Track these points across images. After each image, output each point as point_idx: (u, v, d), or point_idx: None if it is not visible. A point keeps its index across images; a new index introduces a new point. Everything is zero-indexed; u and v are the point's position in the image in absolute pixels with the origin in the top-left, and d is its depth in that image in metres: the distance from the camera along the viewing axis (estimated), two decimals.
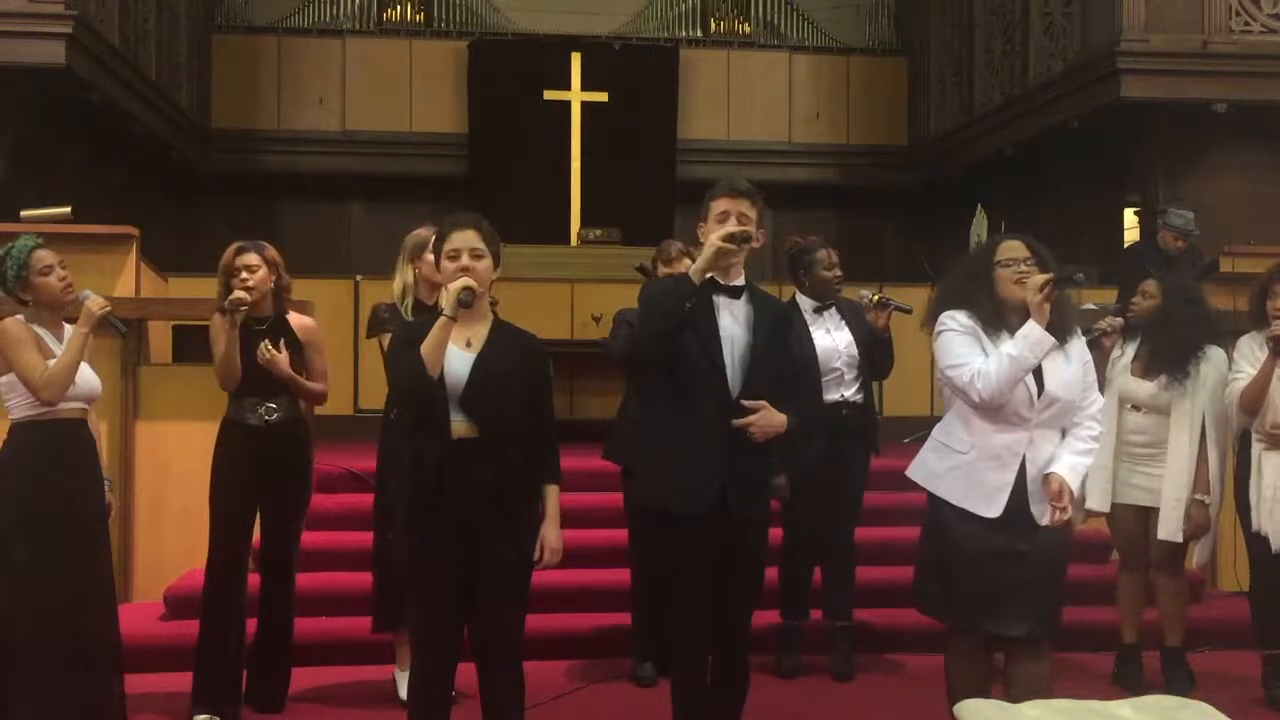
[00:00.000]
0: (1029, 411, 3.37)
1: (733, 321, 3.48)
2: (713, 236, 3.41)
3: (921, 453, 3.58)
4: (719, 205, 3.50)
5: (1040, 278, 3.34)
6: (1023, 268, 3.40)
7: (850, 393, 4.94)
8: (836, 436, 4.83)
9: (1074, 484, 3.38)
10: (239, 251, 4.29)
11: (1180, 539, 4.67)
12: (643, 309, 3.66)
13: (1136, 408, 4.73)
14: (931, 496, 3.50)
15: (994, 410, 3.36)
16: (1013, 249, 3.46)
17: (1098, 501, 4.76)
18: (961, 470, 3.42)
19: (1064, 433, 3.46)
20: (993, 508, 3.36)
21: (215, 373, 4.28)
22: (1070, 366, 3.42)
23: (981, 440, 3.40)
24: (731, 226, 3.42)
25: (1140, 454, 4.74)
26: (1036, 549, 3.37)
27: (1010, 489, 3.36)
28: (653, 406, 3.59)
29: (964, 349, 3.40)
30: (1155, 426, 4.71)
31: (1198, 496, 4.64)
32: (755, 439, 3.40)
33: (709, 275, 3.44)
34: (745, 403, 3.39)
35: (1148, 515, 4.74)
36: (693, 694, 3.52)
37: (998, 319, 3.41)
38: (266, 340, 4.24)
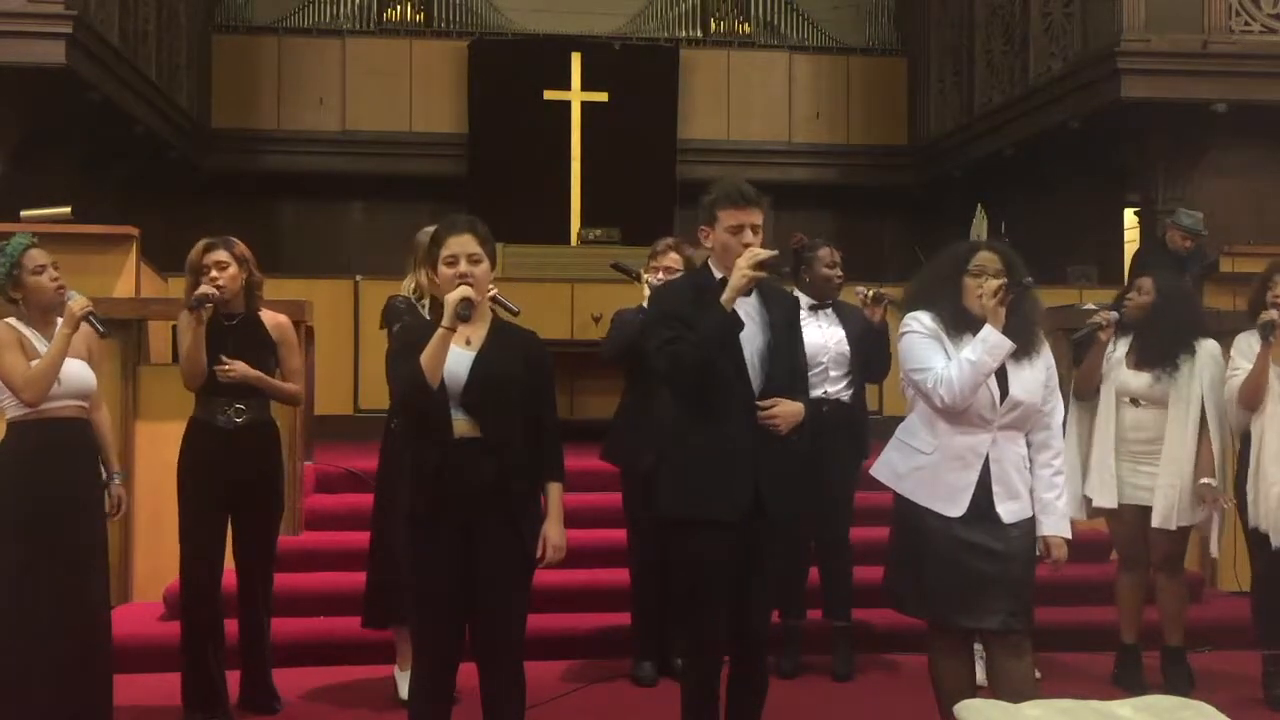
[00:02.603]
0: (992, 414, 3.42)
1: (747, 320, 3.47)
2: (741, 264, 3.35)
3: (885, 452, 3.62)
4: (729, 216, 3.46)
5: (994, 283, 3.40)
6: (989, 281, 3.42)
7: (835, 390, 4.94)
8: (816, 433, 4.81)
9: (1066, 531, 3.50)
10: (207, 248, 4.22)
11: (1173, 526, 4.67)
12: (656, 325, 3.56)
13: (1135, 401, 4.74)
14: (899, 495, 3.54)
15: (957, 412, 3.41)
16: (987, 259, 3.48)
17: (1103, 498, 4.76)
18: (925, 470, 3.47)
19: (1029, 442, 3.50)
20: (956, 507, 3.41)
21: (180, 371, 4.22)
22: (1033, 370, 3.47)
23: (945, 441, 3.45)
24: (760, 251, 3.37)
25: (1140, 451, 4.74)
26: (1005, 543, 3.42)
27: (973, 488, 3.41)
28: (675, 413, 3.55)
29: (927, 352, 3.45)
30: (1154, 421, 4.72)
31: (1204, 480, 4.64)
32: (780, 432, 3.41)
33: (721, 277, 3.44)
34: (759, 402, 3.41)
35: (1145, 513, 4.75)
36: (704, 697, 3.51)
37: (958, 323, 3.46)
38: (221, 355, 4.15)
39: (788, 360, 3.51)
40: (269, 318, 4.39)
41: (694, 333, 3.38)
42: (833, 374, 4.95)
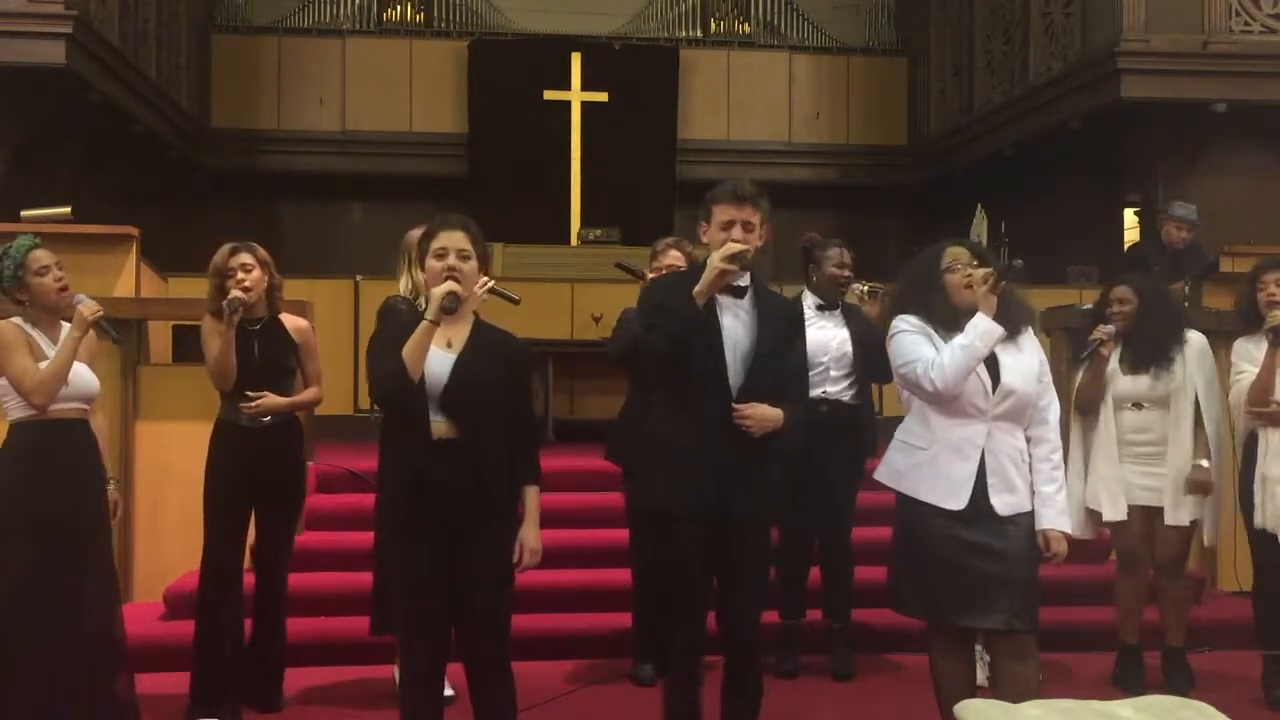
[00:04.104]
0: (985, 403, 3.44)
1: (735, 322, 3.47)
2: (714, 257, 3.37)
3: (886, 455, 3.65)
4: (723, 212, 3.46)
5: (983, 271, 3.46)
6: (968, 271, 3.49)
7: (835, 390, 4.93)
8: (813, 433, 4.79)
9: (1065, 525, 3.51)
10: (233, 252, 4.29)
11: (1187, 522, 4.68)
12: (642, 316, 3.60)
13: (1138, 405, 4.74)
14: (900, 496, 3.56)
15: (950, 404, 3.44)
16: (956, 254, 3.56)
17: (1112, 511, 4.75)
18: (925, 466, 3.48)
19: (1026, 437, 3.51)
20: (957, 499, 3.42)
21: (209, 373, 4.29)
22: (1024, 358, 3.51)
23: (941, 434, 3.47)
24: (733, 244, 3.38)
25: (1143, 453, 4.73)
26: (1005, 542, 3.42)
27: (973, 480, 3.42)
28: (653, 407, 3.58)
29: (916, 346, 3.49)
30: (1158, 422, 4.72)
31: (1196, 461, 4.66)
32: (754, 435, 3.40)
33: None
34: (736, 405, 3.40)
35: (1150, 515, 4.74)
36: (685, 697, 3.50)
37: (953, 321, 3.49)
38: (246, 392, 4.25)
39: (773, 365, 3.48)
40: (290, 321, 4.46)
41: (669, 322, 3.39)
42: (833, 374, 4.94)
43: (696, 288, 3.38)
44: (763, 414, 3.41)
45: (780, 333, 3.53)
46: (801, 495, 4.82)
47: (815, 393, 4.89)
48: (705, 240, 3.55)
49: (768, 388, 3.46)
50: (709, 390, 3.41)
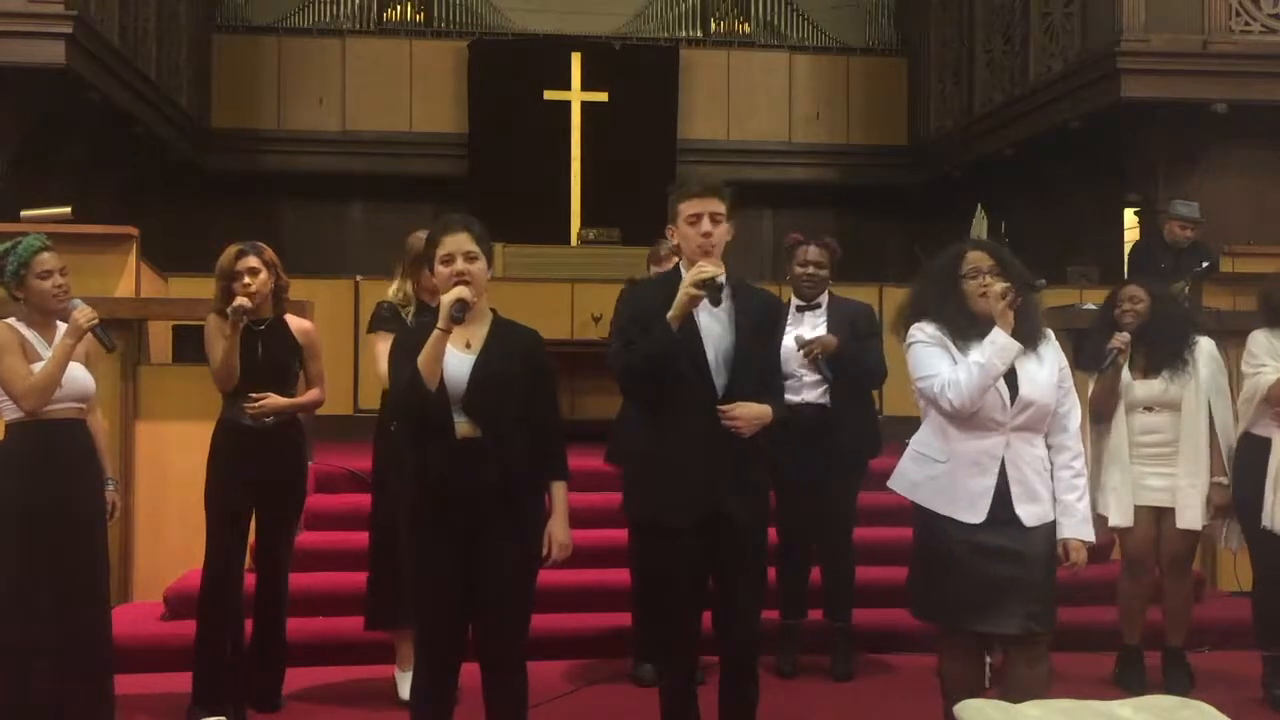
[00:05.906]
0: (1003, 416, 3.39)
1: (712, 320, 3.40)
2: (686, 281, 3.30)
3: (901, 462, 3.59)
4: (689, 206, 3.38)
5: (1000, 286, 3.37)
6: (987, 279, 3.42)
7: (813, 396, 4.88)
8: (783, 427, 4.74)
9: (1088, 534, 3.44)
10: (239, 255, 4.29)
11: (1199, 526, 4.67)
12: (621, 328, 3.55)
13: (1148, 408, 4.73)
14: (917, 504, 3.51)
15: (968, 417, 3.37)
16: (977, 259, 3.47)
17: (1120, 517, 4.74)
18: (941, 479, 3.43)
19: (1048, 445, 3.46)
20: (975, 513, 3.37)
21: (212, 374, 4.30)
22: (1043, 369, 3.44)
23: (958, 447, 3.41)
24: (706, 268, 3.28)
25: (1153, 454, 4.72)
26: (1025, 546, 3.37)
27: (992, 493, 3.37)
28: (639, 418, 3.54)
29: (934, 360, 3.42)
30: (1168, 424, 4.71)
31: (1216, 480, 4.65)
32: (743, 434, 3.36)
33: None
34: (721, 408, 3.34)
35: (1160, 516, 4.74)
36: (679, 702, 3.50)
37: (970, 329, 3.42)
38: (250, 394, 4.26)
39: (754, 363, 3.44)
40: (295, 323, 4.47)
41: (645, 341, 3.34)
42: (806, 380, 4.87)
43: (670, 312, 3.31)
44: (753, 413, 3.37)
45: (758, 327, 3.47)
46: (797, 496, 4.82)
47: (792, 400, 4.80)
48: (675, 241, 3.49)
49: (752, 384, 3.41)
50: (695, 396, 3.36)
